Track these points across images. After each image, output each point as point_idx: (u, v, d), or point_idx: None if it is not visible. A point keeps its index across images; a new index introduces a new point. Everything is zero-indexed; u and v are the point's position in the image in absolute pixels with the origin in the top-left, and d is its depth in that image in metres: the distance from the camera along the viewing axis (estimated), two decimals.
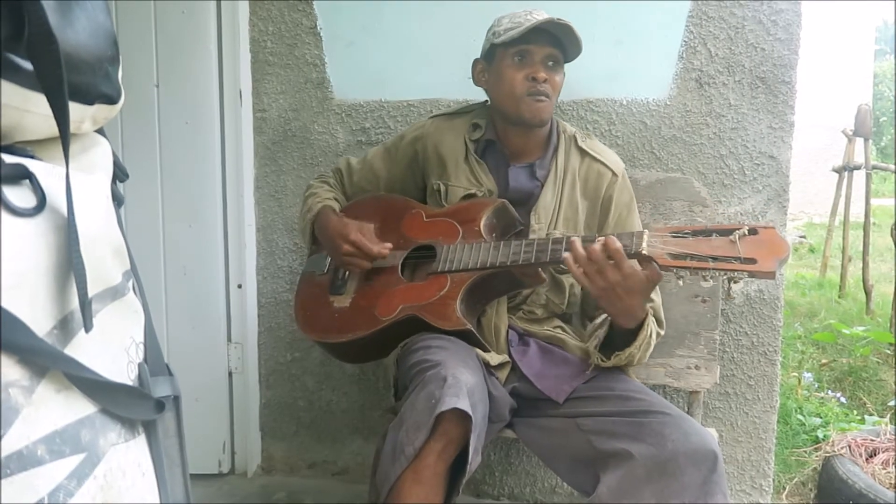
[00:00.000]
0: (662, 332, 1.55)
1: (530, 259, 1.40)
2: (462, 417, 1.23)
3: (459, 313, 1.43)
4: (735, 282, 1.19)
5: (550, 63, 1.55)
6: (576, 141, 1.62)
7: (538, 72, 1.52)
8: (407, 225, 1.63)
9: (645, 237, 1.26)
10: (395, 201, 1.71)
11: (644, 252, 1.25)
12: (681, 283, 1.24)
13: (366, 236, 1.58)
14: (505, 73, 1.55)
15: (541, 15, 1.53)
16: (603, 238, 1.28)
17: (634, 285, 1.27)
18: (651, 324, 1.42)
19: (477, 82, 1.67)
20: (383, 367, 1.64)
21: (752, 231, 1.19)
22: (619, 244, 1.25)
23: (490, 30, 1.60)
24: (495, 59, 1.58)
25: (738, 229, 1.19)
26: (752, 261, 1.16)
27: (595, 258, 1.27)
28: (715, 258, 1.18)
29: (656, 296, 1.54)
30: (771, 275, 1.16)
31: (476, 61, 1.66)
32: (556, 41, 1.54)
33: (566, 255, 1.31)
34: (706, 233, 1.22)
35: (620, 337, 1.43)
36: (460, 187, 1.62)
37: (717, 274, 1.19)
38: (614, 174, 1.60)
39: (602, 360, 1.47)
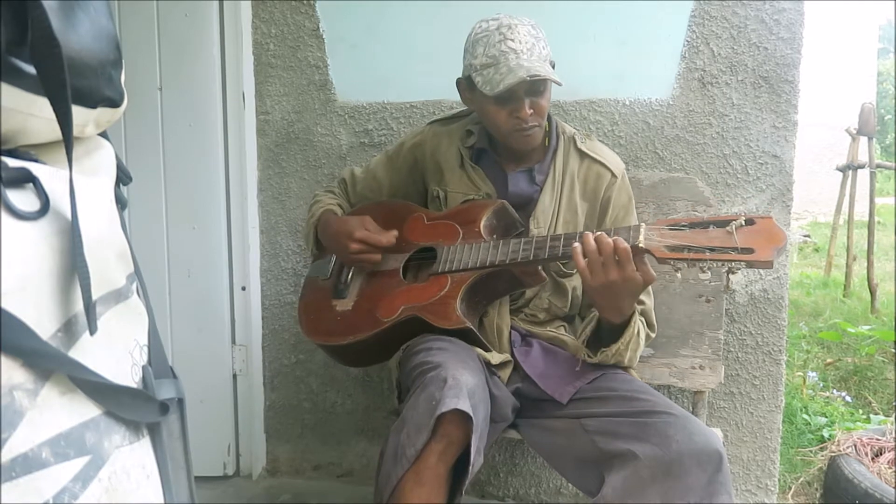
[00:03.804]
0: (653, 335, 1.58)
1: (529, 257, 1.40)
2: (463, 418, 1.23)
3: (460, 312, 1.43)
4: (733, 272, 1.18)
5: (533, 94, 1.46)
6: (575, 143, 1.61)
7: (521, 109, 1.45)
8: (409, 229, 1.63)
9: (642, 230, 1.27)
10: (396, 206, 1.72)
11: (641, 245, 1.25)
12: (679, 275, 1.25)
13: (370, 230, 1.59)
14: (488, 110, 1.50)
15: (516, 59, 1.42)
16: (614, 237, 1.27)
17: (630, 287, 1.28)
18: (638, 322, 1.43)
19: (465, 103, 1.62)
20: (387, 369, 1.64)
21: (749, 221, 1.19)
22: (627, 244, 1.25)
23: (465, 50, 1.52)
24: (476, 88, 1.49)
25: (735, 220, 1.19)
26: (750, 250, 1.16)
27: (605, 253, 1.27)
28: (712, 249, 1.18)
29: (648, 298, 1.55)
30: (769, 264, 1.16)
31: (459, 82, 1.58)
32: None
33: (576, 244, 1.30)
34: (703, 224, 1.22)
35: (608, 334, 1.44)
36: (459, 193, 1.62)
37: (715, 265, 1.18)
38: (613, 175, 1.59)
39: (589, 356, 1.47)
